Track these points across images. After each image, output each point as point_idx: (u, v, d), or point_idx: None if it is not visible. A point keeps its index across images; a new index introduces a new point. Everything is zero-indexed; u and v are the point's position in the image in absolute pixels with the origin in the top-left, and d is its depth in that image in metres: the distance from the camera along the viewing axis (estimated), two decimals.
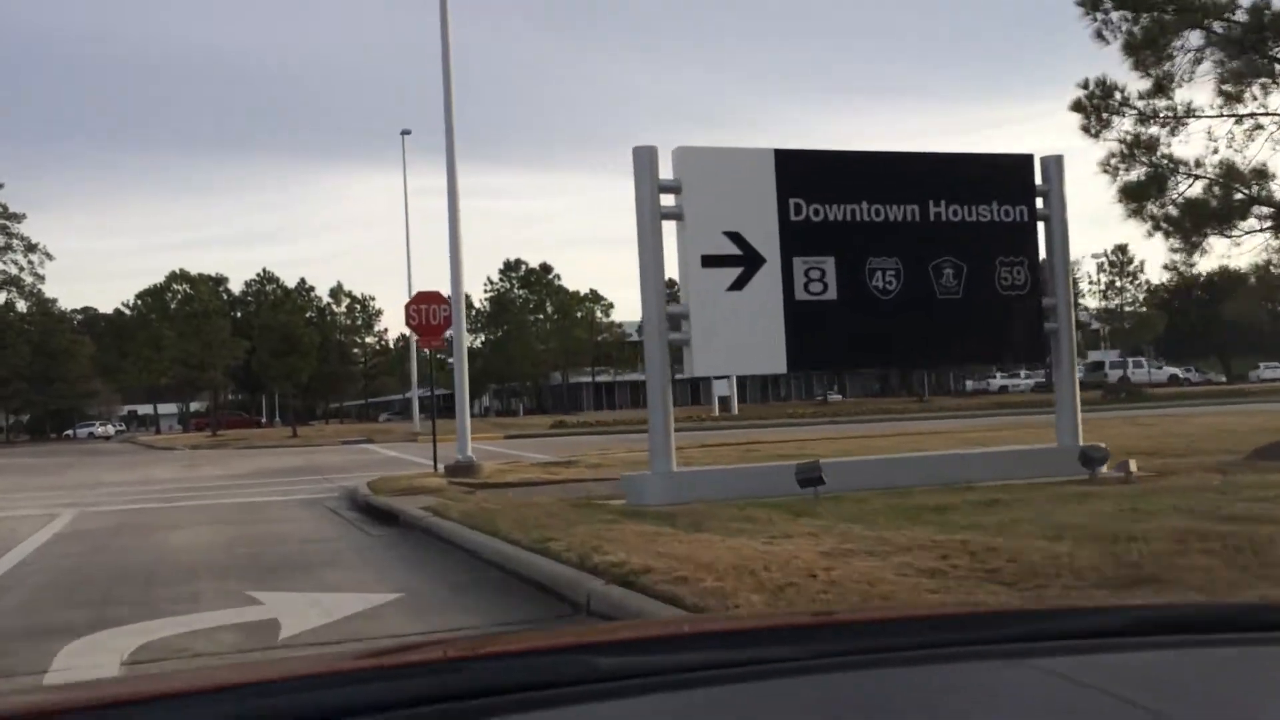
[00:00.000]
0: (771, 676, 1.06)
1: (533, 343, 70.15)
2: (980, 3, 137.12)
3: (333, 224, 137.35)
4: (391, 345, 79.70)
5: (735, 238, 11.27)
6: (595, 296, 71.95)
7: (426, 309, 17.85)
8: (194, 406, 78.07)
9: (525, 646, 1.23)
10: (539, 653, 1.15)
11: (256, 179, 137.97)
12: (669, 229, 11.27)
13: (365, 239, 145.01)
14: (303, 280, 64.69)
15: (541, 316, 71.95)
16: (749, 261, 11.29)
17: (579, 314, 70.99)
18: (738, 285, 11.25)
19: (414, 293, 17.69)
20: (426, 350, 19.24)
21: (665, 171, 11.29)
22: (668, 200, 11.26)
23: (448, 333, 18.35)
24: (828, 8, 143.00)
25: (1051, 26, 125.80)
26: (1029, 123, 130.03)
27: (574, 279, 77.34)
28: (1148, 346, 60.85)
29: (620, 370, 73.23)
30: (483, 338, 78.77)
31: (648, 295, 11.09)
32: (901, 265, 11.67)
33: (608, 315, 71.99)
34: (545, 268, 73.96)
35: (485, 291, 76.65)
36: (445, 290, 18.18)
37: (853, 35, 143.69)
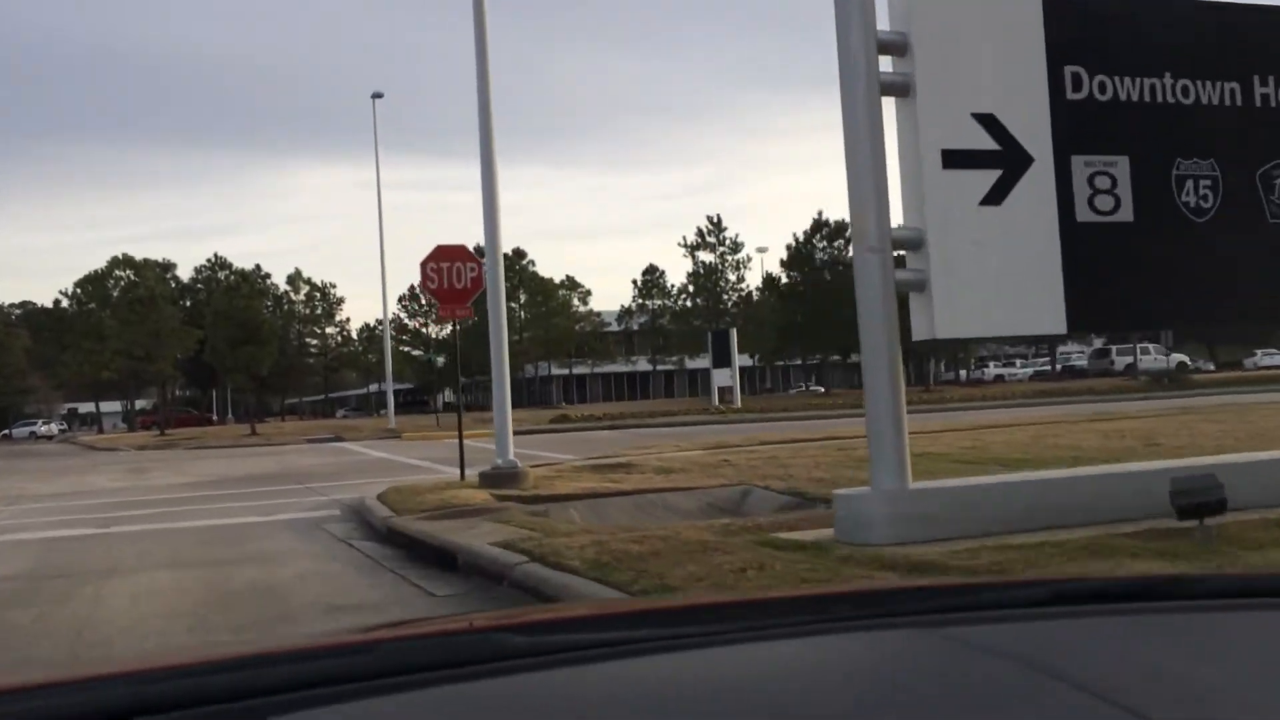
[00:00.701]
0: (676, 650, 1.10)
1: (511, 331, 66.02)
2: None
3: (287, 218, 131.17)
4: (355, 336, 74.84)
5: (989, 124, 7.28)
6: (572, 283, 67.78)
7: (449, 268, 13.69)
8: (140, 404, 72.75)
9: (440, 629, 1.23)
10: (453, 634, 1.15)
11: (205, 172, 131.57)
12: (888, 113, 7.27)
13: (323, 232, 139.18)
14: (258, 266, 59.84)
15: (515, 305, 67.47)
16: (1010, 161, 7.31)
17: (559, 300, 66.77)
18: (994, 198, 7.26)
19: (433, 248, 13.56)
20: (453, 322, 14.90)
21: (883, 22, 7.31)
22: (886, 65, 7.27)
23: (472, 300, 14.21)
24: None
25: None
26: None
27: (544, 269, 72.94)
28: (1166, 334, 57.75)
29: (598, 361, 69.14)
30: (449, 328, 74.40)
31: (862, 209, 7.06)
32: (1219, 172, 7.78)
33: (585, 303, 67.86)
34: (519, 253, 69.52)
35: None
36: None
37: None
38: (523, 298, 68.92)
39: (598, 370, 72.30)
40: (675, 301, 54.39)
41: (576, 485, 13.11)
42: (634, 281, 70.59)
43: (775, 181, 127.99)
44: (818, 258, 52.04)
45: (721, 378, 46.43)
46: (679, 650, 1.09)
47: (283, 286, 67.39)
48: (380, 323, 76.86)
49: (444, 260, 13.76)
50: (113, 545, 10.28)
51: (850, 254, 8.87)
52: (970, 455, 13.70)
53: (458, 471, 17.21)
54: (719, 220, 51.86)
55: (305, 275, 70.88)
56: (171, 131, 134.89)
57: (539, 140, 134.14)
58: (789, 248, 53.62)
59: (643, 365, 71.83)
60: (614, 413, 37.86)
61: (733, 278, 51.61)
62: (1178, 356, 62.95)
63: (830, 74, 7.24)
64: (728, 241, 51.51)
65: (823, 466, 13.74)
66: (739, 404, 43.69)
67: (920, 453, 14.44)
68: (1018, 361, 72.31)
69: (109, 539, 10.82)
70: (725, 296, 51.33)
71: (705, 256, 51.91)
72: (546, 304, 65.78)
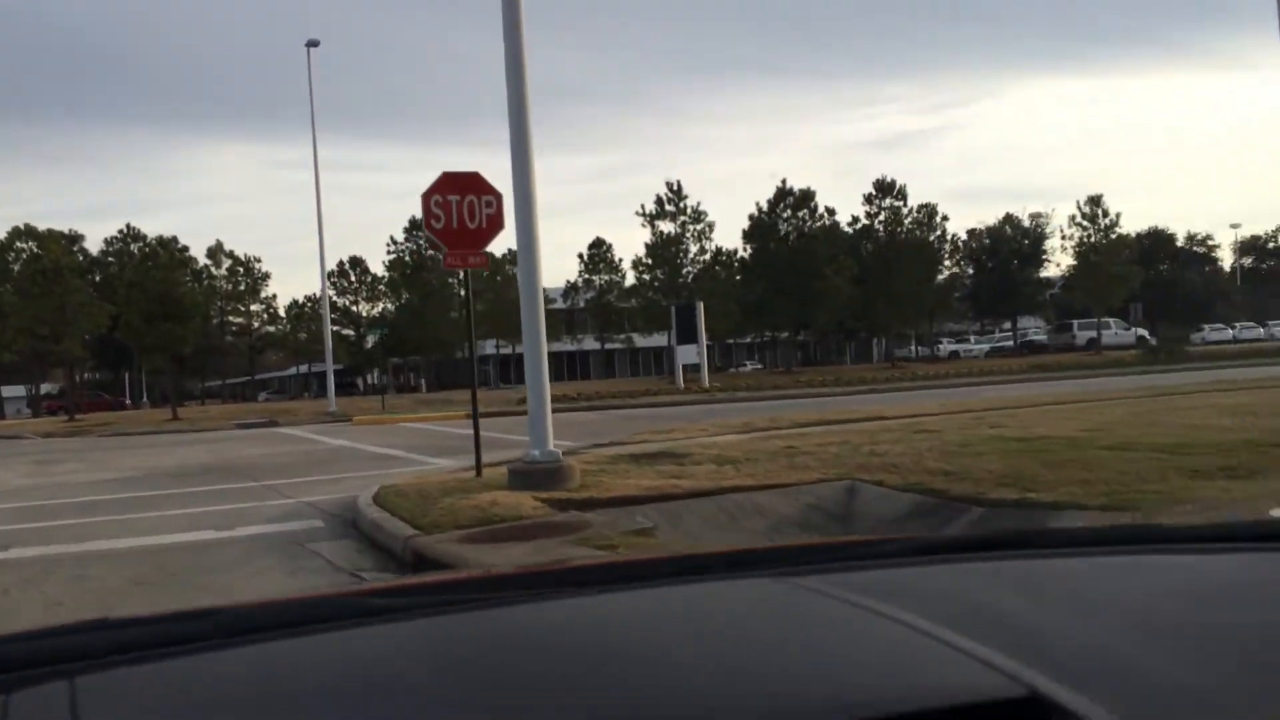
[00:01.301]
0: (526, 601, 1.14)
1: (451, 308, 61.95)
2: None
3: (201, 198, 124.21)
4: (283, 313, 70.15)
5: None
6: (514, 257, 64.04)
7: (460, 203, 10.49)
8: (45, 388, 67.42)
9: (314, 594, 1.25)
10: (324, 598, 1.17)
11: (113, 149, 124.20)
12: None
13: (239, 211, 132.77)
14: (174, 238, 55.02)
15: (450, 282, 63.64)
16: None
17: (507, 274, 62.96)
18: None
19: (439, 176, 10.32)
20: (460, 271, 11.55)
21: None
22: None
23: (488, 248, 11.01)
24: None
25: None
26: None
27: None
28: (1135, 306, 56.48)
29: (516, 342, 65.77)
30: (381, 306, 70.37)
31: None
32: None
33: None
34: None
35: (389, 252, 68.09)
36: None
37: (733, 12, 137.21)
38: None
39: (549, 349, 68.86)
40: (635, 274, 51.22)
41: (633, 484, 10.12)
42: (580, 255, 67.34)
43: (710, 167, 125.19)
44: (781, 229, 49.42)
45: (687, 355, 43.53)
46: (529, 603, 1.14)
47: (202, 260, 62.56)
48: (310, 300, 72.62)
49: (452, 192, 10.55)
50: (7, 586, 7.01)
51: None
52: (1155, 440, 10.95)
53: (457, 464, 14.11)
54: (679, 188, 48.76)
55: (227, 248, 66.09)
56: (79, 106, 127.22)
57: (465, 122, 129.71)
58: (751, 218, 50.91)
59: (589, 344, 68.61)
60: (585, 392, 34.68)
61: (694, 249, 48.59)
62: (1139, 331, 61.91)
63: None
64: (689, 210, 48.50)
65: (934, 454, 10.95)
66: (706, 383, 40.87)
67: (1037, 436, 11.78)
68: (972, 338, 70.75)
69: (2, 574, 7.52)
70: (686, 270, 48.29)
71: (665, 226, 48.84)
72: (496, 276, 61.98)
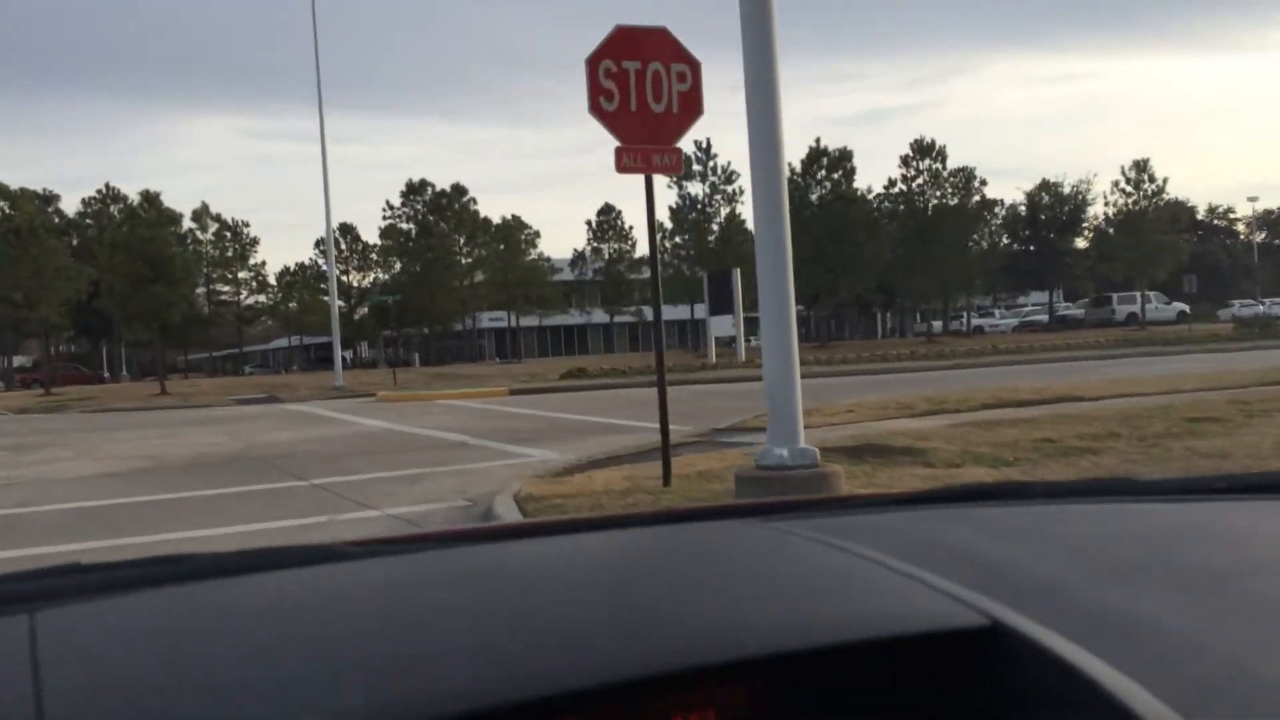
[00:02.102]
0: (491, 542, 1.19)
1: (457, 277, 58.27)
2: None
3: (175, 167, 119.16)
4: (274, 281, 66.13)
5: None
6: (519, 223, 60.31)
7: (642, 73, 7.03)
8: (19, 360, 63.39)
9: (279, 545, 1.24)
10: (292, 548, 1.18)
11: (88, 119, 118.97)
12: None
13: (217, 181, 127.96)
14: (159, 194, 50.59)
15: (456, 249, 59.92)
16: None
17: (520, 240, 59.23)
18: None
19: (611, 32, 6.89)
20: (647, 182, 7.83)
21: None
22: None
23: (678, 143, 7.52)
24: None
25: None
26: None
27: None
28: (1188, 278, 53.31)
29: (547, 313, 62.06)
30: (376, 276, 66.54)
31: None
32: None
33: (534, 247, 60.45)
34: (459, 189, 61.91)
35: (384, 218, 64.21)
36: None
37: None
38: (461, 240, 61.36)
39: (546, 323, 65.26)
40: (665, 241, 47.61)
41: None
42: (588, 222, 63.71)
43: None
44: (816, 193, 45.95)
45: (721, 326, 40.05)
46: (494, 542, 1.18)
47: (187, 224, 58.31)
48: (302, 267, 68.78)
49: (630, 56, 7.07)
50: None
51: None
52: None
53: (567, 456, 10.65)
54: (708, 146, 45.20)
55: (214, 211, 61.98)
56: (52, 74, 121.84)
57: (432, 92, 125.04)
58: None
59: (598, 316, 65.07)
60: (616, 367, 31.23)
61: (725, 213, 45.04)
62: (1179, 305, 58.91)
63: None
64: (719, 170, 44.97)
65: None
66: (742, 356, 37.40)
67: None
68: (996, 313, 67.62)
69: None
70: (713, 236, 44.75)
71: (694, 188, 45.26)
72: (506, 242, 58.30)
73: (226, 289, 64.43)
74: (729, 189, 45.14)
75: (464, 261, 59.97)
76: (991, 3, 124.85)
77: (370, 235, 65.97)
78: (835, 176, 46.48)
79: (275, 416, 20.49)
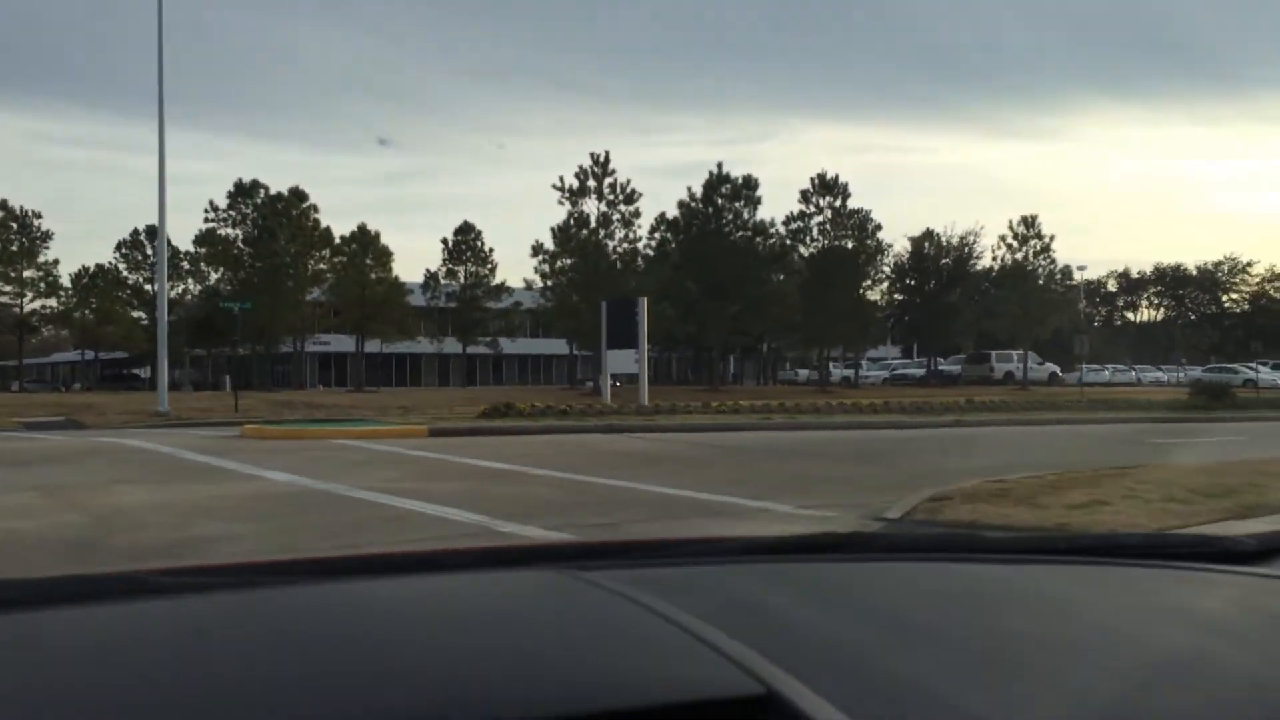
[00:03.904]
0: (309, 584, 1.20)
1: (299, 290, 50.80)
2: None
3: None
4: (69, 283, 56.57)
5: None
6: (367, 236, 53.39)
7: None
8: None
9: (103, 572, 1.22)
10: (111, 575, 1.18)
11: None
12: None
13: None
14: None
15: (296, 260, 52.43)
16: None
17: (376, 257, 52.15)
18: None
19: None
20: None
21: None
22: None
23: None
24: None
25: None
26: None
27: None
28: (1081, 338, 51.83)
29: (391, 339, 55.32)
30: (185, 286, 58.37)
31: None
32: None
33: (388, 268, 53.67)
34: (298, 194, 54.59)
35: (206, 221, 56.09)
36: None
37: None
38: (295, 250, 53.96)
39: (388, 350, 58.44)
40: (538, 263, 42.16)
41: None
42: (444, 242, 57.58)
43: (510, 180, 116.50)
44: (723, 219, 41.81)
45: (621, 362, 35.01)
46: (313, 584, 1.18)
47: None
48: (102, 270, 59.58)
49: None
50: None
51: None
52: None
53: None
54: (606, 159, 40.34)
55: None
56: None
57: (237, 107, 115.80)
58: (681, 205, 43.09)
59: (451, 346, 58.74)
60: (555, 404, 25.59)
61: (621, 234, 40.19)
62: (1050, 366, 58.05)
63: None
64: (618, 188, 40.14)
65: None
66: (646, 401, 32.29)
67: None
68: (864, 363, 65.24)
69: None
70: (609, 259, 39.78)
71: (589, 206, 40.21)
72: (356, 257, 51.30)
73: (7, 289, 54.60)
74: (627, 209, 40.35)
75: (308, 273, 52.63)
76: (802, 73, 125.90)
77: (184, 243, 57.74)
78: (736, 205, 42.52)
79: (105, 456, 14.10)
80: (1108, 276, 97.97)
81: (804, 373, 63.20)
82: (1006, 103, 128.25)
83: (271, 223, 51.68)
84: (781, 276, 43.42)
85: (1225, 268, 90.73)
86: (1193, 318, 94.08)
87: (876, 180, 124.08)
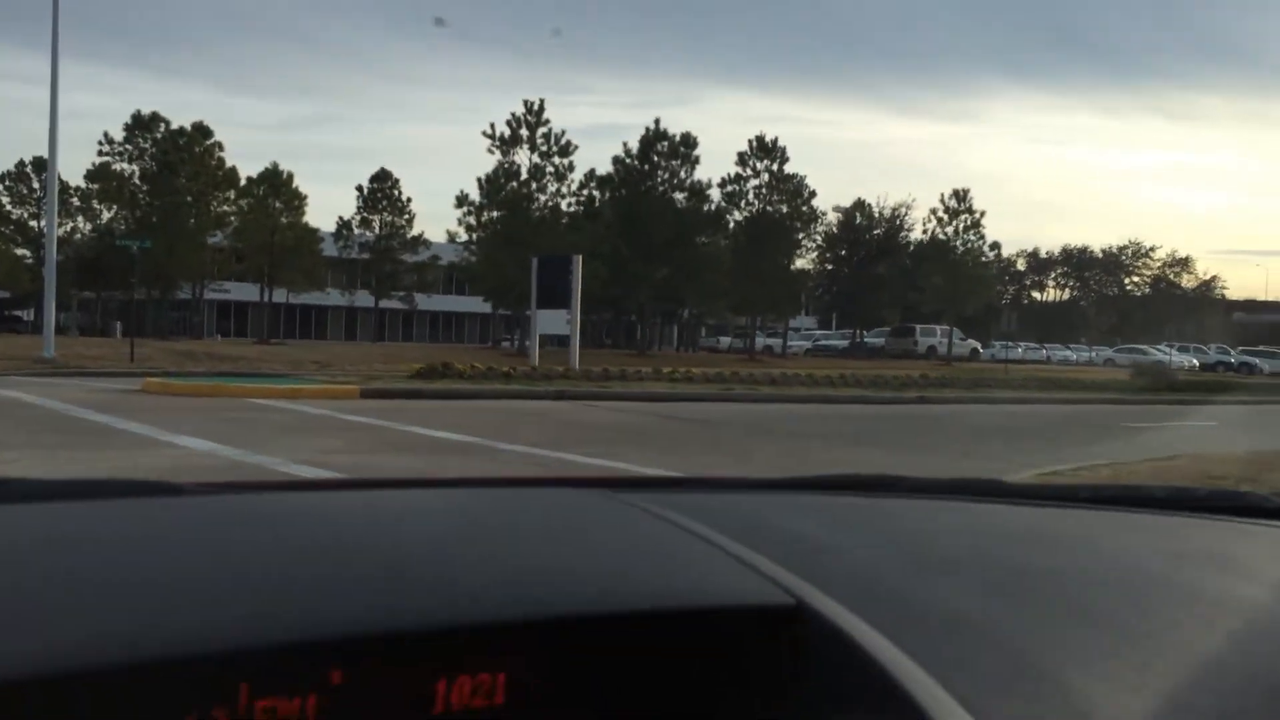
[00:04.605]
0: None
1: (202, 232, 47.37)
2: None
3: None
4: None
5: None
6: (278, 177, 50.06)
7: None
8: None
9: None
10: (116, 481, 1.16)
11: None
12: None
13: None
14: None
15: (191, 198, 48.85)
16: None
17: (287, 201, 48.92)
18: None
19: None
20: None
21: None
22: None
23: None
24: None
25: None
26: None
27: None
28: (1009, 314, 51.74)
29: (300, 289, 52.32)
30: (75, 225, 54.58)
31: None
32: None
33: (297, 211, 50.47)
34: (202, 129, 50.96)
35: (100, 154, 52.16)
36: None
37: None
38: (188, 189, 50.43)
39: (294, 301, 55.38)
40: (463, 214, 39.80)
41: None
42: (358, 189, 54.64)
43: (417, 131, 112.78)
44: (659, 178, 40.08)
45: (551, 323, 33.19)
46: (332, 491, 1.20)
47: None
48: None
49: None
50: None
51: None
52: None
53: None
54: (540, 108, 38.07)
55: None
56: None
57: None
58: (616, 161, 41.16)
59: (364, 299, 55.91)
60: (498, 366, 23.61)
61: (554, 188, 38.09)
62: (972, 342, 57.88)
63: None
64: (553, 138, 37.96)
65: None
66: (577, 364, 30.56)
67: None
68: (791, 334, 64.30)
69: None
70: (541, 213, 37.69)
71: (521, 156, 37.97)
72: (267, 200, 48.10)
73: None
74: (562, 162, 38.23)
75: (211, 215, 49.26)
76: (718, 40, 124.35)
77: (74, 178, 53.75)
78: (674, 164, 40.84)
79: None
80: (1017, 256, 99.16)
81: (726, 340, 62.03)
82: (917, 83, 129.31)
83: (173, 158, 48.06)
84: (714, 240, 41.86)
85: (1129, 251, 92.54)
86: (1095, 299, 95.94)
87: (790, 153, 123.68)
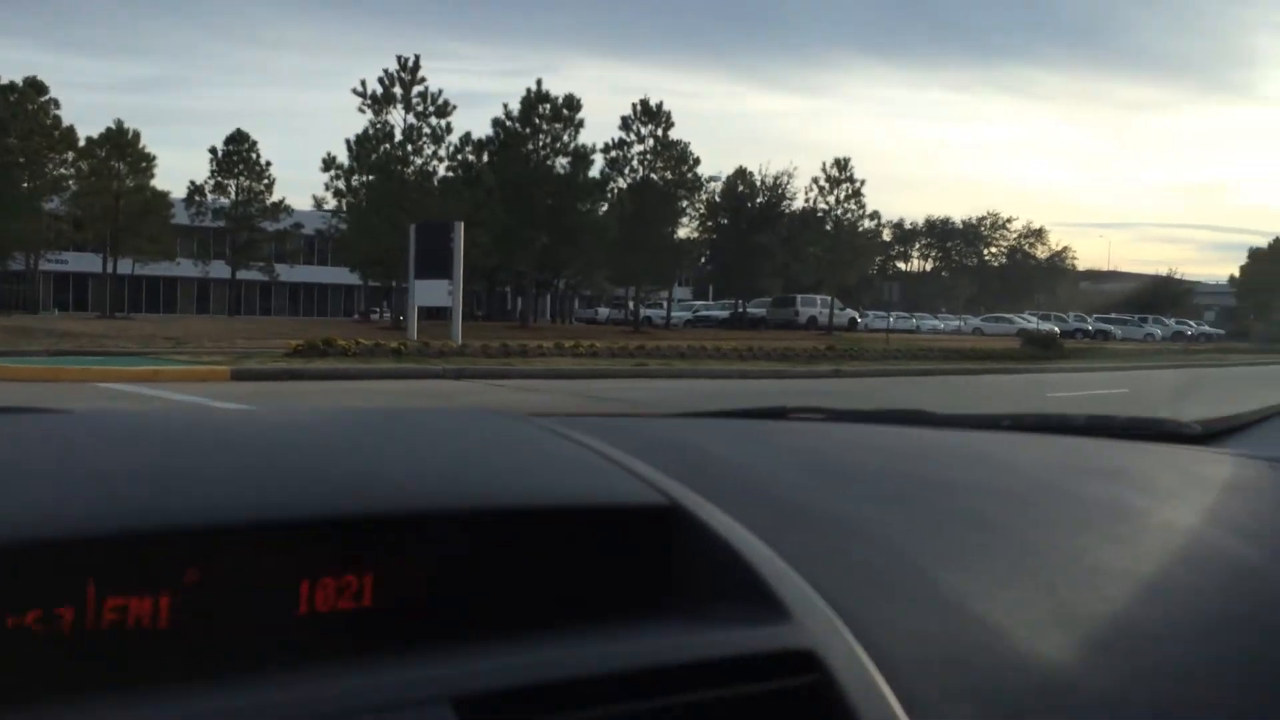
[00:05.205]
0: None
1: (36, 195, 43.05)
2: None
3: None
4: None
5: None
6: (122, 136, 45.98)
7: None
8: None
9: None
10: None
11: None
12: None
13: None
14: None
15: (24, 159, 44.50)
16: None
17: (133, 163, 44.86)
18: None
19: None
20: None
21: None
22: None
23: None
24: None
25: None
26: None
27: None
28: (891, 285, 51.74)
29: (148, 259, 48.51)
30: None
31: None
32: None
33: (145, 172, 46.57)
34: (35, 85, 46.37)
35: None
36: None
37: None
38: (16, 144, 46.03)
39: (140, 273, 51.41)
40: (330, 178, 37.15)
41: None
42: (212, 151, 50.88)
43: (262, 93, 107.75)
44: (540, 141, 38.17)
45: (432, 294, 31.14)
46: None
47: None
48: None
49: None
50: None
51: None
52: None
53: None
54: (415, 64, 35.63)
55: None
56: None
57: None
58: (496, 124, 39.05)
59: (220, 270, 52.25)
60: (385, 342, 21.52)
61: (430, 151, 35.79)
62: (850, 312, 57.93)
63: None
64: (429, 97, 35.63)
65: None
66: (460, 340, 28.66)
67: None
68: (663, 304, 63.44)
69: None
70: (414, 177, 35.42)
71: (396, 117, 35.51)
72: (118, 160, 44.07)
73: None
74: (440, 123, 35.98)
75: (47, 178, 45.03)
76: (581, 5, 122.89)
77: None
78: (557, 127, 39.06)
79: None
80: (882, 226, 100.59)
81: (604, 311, 60.71)
82: (779, 57, 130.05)
83: (2, 114, 43.64)
84: (596, 207, 40.33)
85: (988, 223, 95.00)
86: (955, 269, 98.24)
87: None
